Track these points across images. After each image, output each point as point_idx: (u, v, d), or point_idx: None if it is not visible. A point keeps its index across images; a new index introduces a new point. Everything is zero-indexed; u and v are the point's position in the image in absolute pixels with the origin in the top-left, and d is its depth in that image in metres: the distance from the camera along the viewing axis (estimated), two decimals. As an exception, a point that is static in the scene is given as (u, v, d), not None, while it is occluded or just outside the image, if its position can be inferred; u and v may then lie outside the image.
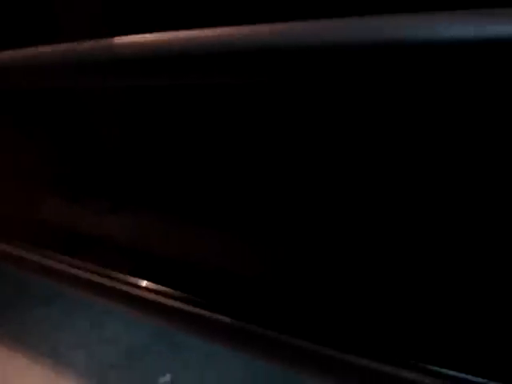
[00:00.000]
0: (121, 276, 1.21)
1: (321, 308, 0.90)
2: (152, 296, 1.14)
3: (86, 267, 1.28)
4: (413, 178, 0.74)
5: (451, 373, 0.78)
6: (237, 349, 1.08)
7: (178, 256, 1.09)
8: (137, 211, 1.14)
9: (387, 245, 0.79)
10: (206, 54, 0.83)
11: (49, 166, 1.30)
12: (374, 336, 0.85)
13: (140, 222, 1.14)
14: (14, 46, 1.14)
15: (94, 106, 1.11)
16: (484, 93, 0.64)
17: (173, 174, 1.04)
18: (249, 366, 1.47)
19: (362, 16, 0.68)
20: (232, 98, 0.88)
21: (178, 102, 0.96)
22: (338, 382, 0.93)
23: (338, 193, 0.82)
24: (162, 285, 1.13)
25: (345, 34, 0.68)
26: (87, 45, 1.00)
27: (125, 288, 1.19)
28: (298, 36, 0.73)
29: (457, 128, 0.68)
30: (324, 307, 0.90)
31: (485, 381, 0.75)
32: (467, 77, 0.63)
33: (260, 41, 0.77)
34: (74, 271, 1.30)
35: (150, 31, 0.91)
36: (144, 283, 1.16)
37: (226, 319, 1.01)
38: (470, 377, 0.76)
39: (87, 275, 1.27)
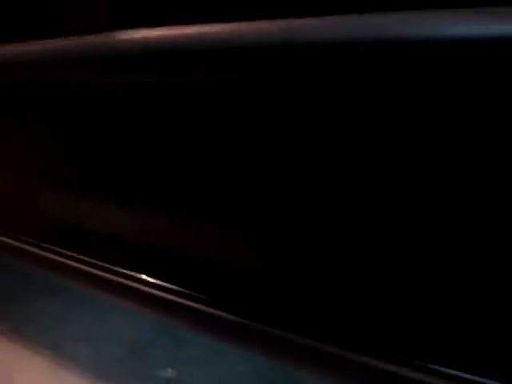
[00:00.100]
0: (124, 271, 1.21)
1: (324, 305, 0.90)
2: (155, 291, 1.14)
3: (90, 262, 1.28)
4: (414, 176, 0.74)
5: (457, 373, 0.77)
6: (240, 345, 1.08)
7: (183, 252, 1.09)
8: (141, 206, 1.14)
9: (387, 242, 0.79)
10: (209, 50, 0.83)
11: (53, 161, 1.30)
12: (379, 334, 0.85)
13: (144, 217, 1.14)
14: (17, 40, 1.14)
15: (98, 101, 1.11)
16: (487, 92, 0.64)
17: (177, 169, 1.03)
18: (252, 361, 1.47)
19: (363, 13, 0.68)
20: (234, 95, 0.88)
21: (182, 98, 0.96)
22: (340, 379, 0.93)
23: (337, 189, 0.82)
24: (166, 280, 1.13)
25: (347, 31, 0.68)
26: (90, 39, 1.00)
27: (128, 283, 1.19)
28: (298, 33, 0.73)
29: (459, 127, 0.67)
30: (327, 304, 0.90)
31: (491, 382, 0.74)
32: (469, 76, 0.63)
33: (263, 37, 0.76)
34: (77, 265, 1.30)
35: (154, 26, 0.92)
36: (147, 278, 1.16)
37: (230, 316, 1.01)
38: (476, 378, 0.76)
39: (91, 270, 1.27)
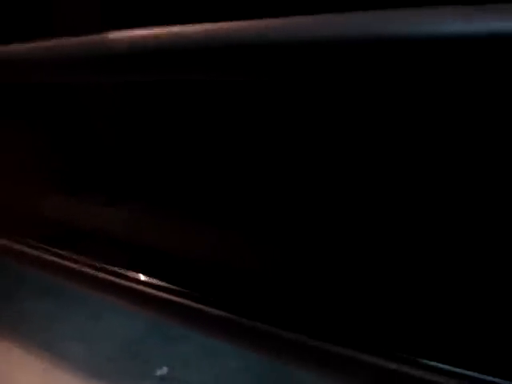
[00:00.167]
0: (117, 269, 1.21)
1: (317, 301, 0.91)
2: (148, 289, 1.14)
3: (83, 260, 1.28)
4: (411, 175, 0.74)
5: (468, 373, 0.77)
6: (233, 342, 1.08)
7: (174, 250, 1.10)
8: (133, 205, 1.14)
9: (385, 240, 0.80)
10: (202, 49, 0.83)
11: (46, 161, 1.30)
12: (374, 331, 0.85)
13: (137, 215, 1.15)
14: (10, 41, 1.14)
15: (90, 101, 1.11)
16: (485, 89, 0.64)
17: (169, 168, 1.04)
18: (245, 358, 1.47)
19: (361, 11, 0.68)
20: (228, 95, 0.89)
21: (175, 97, 0.96)
22: (334, 375, 0.94)
23: (333, 186, 0.82)
24: (158, 278, 1.13)
25: (345, 29, 0.68)
26: (82, 40, 1.01)
27: (121, 281, 1.19)
28: (292, 31, 0.73)
29: (458, 126, 0.68)
30: (320, 300, 0.90)
31: (501, 381, 0.74)
32: (467, 73, 0.63)
33: (257, 36, 0.77)
34: (70, 264, 1.30)
35: (147, 26, 0.92)
36: (140, 277, 1.17)
37: (222, 313, 1.01)
38: (485, 377, 0.75)
39: (84, 268, 1.27)
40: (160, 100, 0.99)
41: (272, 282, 0.95)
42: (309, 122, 0.81)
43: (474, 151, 0.68)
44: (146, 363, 1.52)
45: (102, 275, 1.23)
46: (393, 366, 0.82)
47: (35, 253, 1.39)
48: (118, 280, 1.20)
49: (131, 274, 1.18)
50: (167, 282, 1.12)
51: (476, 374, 0.76)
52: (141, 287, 1.16)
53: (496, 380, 0.74)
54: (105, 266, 1.23)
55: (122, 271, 1.20)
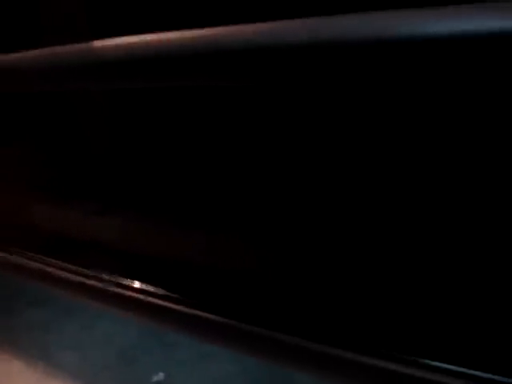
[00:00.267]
0: (111, 278, 1.21)
1: (312, 304, 0.91)
2: (142, 296, 1.14)
3: (76, 270, 1.28)
4: (403, 174, 0.75)
5: (474, 372, 0.77)
6: (229, 347, 1.08)
7: (168, 256, 1.10)
8: (125, 213, 1.15)
9: (380, 241, 0.80)
10: (189, 55, 0.84)
11: (37, 171, 1.30)
12: (370, 332, 0.85)
13: (129, 223, 1.15)
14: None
15: (80, 109, 1.12)
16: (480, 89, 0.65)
17: (160, 175, 1.04)
18: (241, 362, 1.47)
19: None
20: (216, 101, 0.89)
21: (165, 104, 0.96)
22: (332, 377, 0.94)
23: (326, 188, 0.83)
24: (153, 285, 1.13)
25: (344, 31, 0.69)
26: (70, 48, 1.01)
27: (115, 290, 1.19)
28: (285, 35, 0.74)
29: (456, 126, 0.68)
30: (316, 303, 0.90)
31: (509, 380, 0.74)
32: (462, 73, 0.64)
33: (248, 41, 0.78)
34: (64, 274, 1.30)
35: (133, 34, 0.92)
36: (134, 284, 1.17)
37: (217, 318, 1.02)
38: (492, 376, 0.75)
39: (77, 278, 1.27)
40: (151, 107, 0.99)
41: (268, 285, 0.95)
42: (297, 125, 0.82)
43: (470, 150, 0.68)
44: (141, 370, 1.52)
45: (96, 284, 1.23)
46: (392, 366, 0.83)
47: (30, 264, 1.39)
48: (112, 288, 1.20)
49: (125, 281, 1.18)
50: (161, 289, 1.12)
51: (481, 374, 0.76)
52: (135, 294, 1.15)
53: (501, 379, 0.74)
54: (99, 274, 1.23)
55: (117, 279, 1.20)
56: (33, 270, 1.39)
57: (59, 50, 1.04)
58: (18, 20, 1.13)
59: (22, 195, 1.38)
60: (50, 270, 1.34)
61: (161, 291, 1.12)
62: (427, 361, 0.80)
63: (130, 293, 1.17)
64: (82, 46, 1.00)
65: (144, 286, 1.15)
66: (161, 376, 1.46)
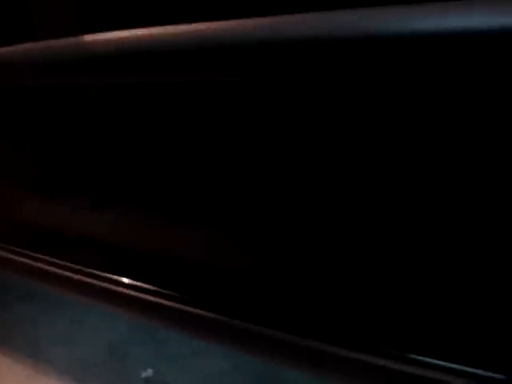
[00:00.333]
0: (101, 273, 1.20)
1: (305, 301, 0.91)
2: (132, 292, 1.14)
3: (66, 265, 1.27)
4: (397, 170, 0.75)
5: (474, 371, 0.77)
6: (220, 343, 1.08)
7: (159, 252, 1.10)
8: (115, 208, 1.14)
9: (376, 238, 0.80)
10: (180, 50, 0.84)
11: (27, 166, 1.29)
12: (363, 329, 0.85)
13: (119, 218, 1.14)
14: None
15: (70, 103, 1.11)
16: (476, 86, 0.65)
17: (152, 170, 1.04)
18: (233, 359, 1.47)
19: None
20: (209, 96, 0.89)
21: (156, 98, 0.96)
22: (324, 374, 0.94)
23: (317, 185, 0.83)
24: (143, 281, 1.13)
25: (340, 26, 0.69)
26: (59, 43, 1.00)
27: (106, 285, 1.19)
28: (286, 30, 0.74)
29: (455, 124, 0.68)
30: (309, 300, 0.90)
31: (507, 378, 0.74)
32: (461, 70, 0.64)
33: (243, 36, 0.77)
34: (54, 270, 1.30)
35: (124, 28, 0.92)
36: (125, 280, 1.16)
37: (209, 314, 1.02)
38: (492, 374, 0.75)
39: (67, 273, 1.27)
40: (141, 102, 0.98)
41: (260, 282, 0.95)
42: (296, 121, 0.81)
43: (465, 148, 0.68)
44: (131, 366, 1.51)
45: (86, 279, 1.23)
46: (387, 364, 0.83)
47: (19, 259, 1.38)
48: (102, 284, 1.19)
49: (115, 277, 1.18)
50: (152, 285, 1.12)
51: (482, 372, 0.76)
52: (126, 290, 1.15)
53: (501, 377, 0.74)
54: (88, 269, 1.23)
55: (106, 274, 1.19)
56: (21, 265, 1.38)
57: (49, 44, 1.03)
58: (7, 13, 1.12)
59: (10, 190, 1.37)
60: (38, 265, 1.33)
61: (151, 287, 1.11)
62: (425, 358, 0.80)
63: (119, 288, 1.16)
64: (72, 40, 0.99)
65: (134, 282, 1.14)
66: (149, 372, 1.46)
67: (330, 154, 0.79)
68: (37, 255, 1.35)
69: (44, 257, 1.33)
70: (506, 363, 0.73)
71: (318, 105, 0.77)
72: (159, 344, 1.59)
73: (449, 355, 0.78)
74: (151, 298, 1.11)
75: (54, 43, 1.01)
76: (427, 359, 0.79)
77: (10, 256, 1.41)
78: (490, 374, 0.74)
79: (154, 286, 1.11)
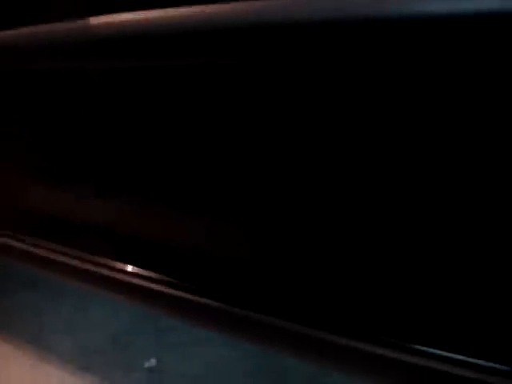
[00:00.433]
0: (105, 261, 1.20)
1: (308, 289, 0.90)
2: (136, 280, 1.13)
3: (70, 253, 1.27)
4: (393, 162, 0.74)
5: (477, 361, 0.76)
6: (221, 331, 1.08)
7: (163, 240, 1.09)
8: (120, 196, 1.13)
9: (376, 231, 0.79)
10: (185, 32, 0.82)
11: (31, 152, 1.29)
12: (369, 318, 0.84)
13: (124, 206, 1.13)
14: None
15: (75, 89, 1.10)
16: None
17: (156, 157, 1.03)
18: (235, 348, 1.47)
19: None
20: (213, 83, 0.87)
21: (161, 83, 0.95)
22: (325, 363, 0.94)
23: (318, 175, 0.82)
24: (147, 269, 1.12)
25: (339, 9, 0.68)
26: (65, 25, 0.99)
27: (109, 273, 1.18)
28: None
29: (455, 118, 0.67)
30: (311, 288, 0.89)
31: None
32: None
33: (247, 18, 0.76)
34: (58, 257, 1.29)
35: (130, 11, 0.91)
36: (129, 268, 1.16)
37: (211, 302, 1.01)
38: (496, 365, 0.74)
39: (71, 261, 1.26)
40: (147, 88, 0.97)
41: (263, 270, 0.94)
42: (287, 109, 0.80)
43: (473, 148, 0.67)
44: (134, 355, 1.51)
45: (89, 267, 1.22)
46: (388, 353, 0.81)
47: (22, 246, 1.38)
48: (105, 271, 1.19)
49: (119, 265, 1.17)
50: (156, 273, 1.11)
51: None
52: (129, 278, 1.15)
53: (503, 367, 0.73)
54: (92, 257, 1.22)
55: (110, 262, 1.19)
56: (25, 253, 1.38)
57: (55, 26, 1.02)
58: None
59: (14, 177, 1.37)
60: (42, 252, 1.33)
61: (154, 275, 1.11)
62: (426, 348, 0.79)
63: (124, 276, 1.16)
64: (78, 22, 0.98)
65: (138, 270, 1.14)
66: (153, 362, 1.46)
67: (329, 142, 0.78)
68: (41, 242, 1.34)
69: (47, 244, 1.32)
70: (510, 354, 0.72)
71: (317, 92, 0.76)
72: (162, 333, 1.59)
73: (452, 346, 0.77)
74: (154, 286, 1.10)
75: (59, 26, 1.00)
76: (428, 349, 0.78)
77: (15, 243, 1.40)
78: (493, 364, 0.73)
79: (156, 273, 1.11)
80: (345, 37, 0.68)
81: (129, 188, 1.10)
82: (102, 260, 1.20)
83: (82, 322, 1.71)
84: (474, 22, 0.59)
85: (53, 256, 1.30)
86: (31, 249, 1.36)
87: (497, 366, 0.73)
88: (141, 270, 1.13)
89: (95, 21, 0.95)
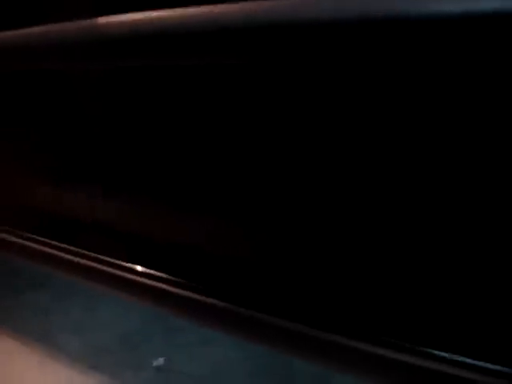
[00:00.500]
0: (114, 260, 1.20)
1: (314, 290, 0.90)
2: (145, 280, 1.14)
3: (79, 252, 1.28)
4: (389, 156, 0.73)
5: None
6: (229, 332, 1.08)
7: (171, 240, 1.09)
8: (129, 195, 1.14)
9: (376, 230, 0.79)
10: (192, 32, 0.83)
11: (39, 152, 1.29)
12: (371, 319, 0.84)
13: (132, 206, 1.14)
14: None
15: (80, 90, 1.11)
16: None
17: (163, 158, 1.03)
18: (242, 348, 1.47)
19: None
20: (213, 83, 0.88)
21: (163, 84, 0.95)
22: (331, 364, 0.93)
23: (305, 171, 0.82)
24: (156, 269, 1.13)
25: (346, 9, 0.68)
26: (73, 25, 1.00)
27: (118, 272, 1.19)
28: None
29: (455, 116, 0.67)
30: (317, 290, 0.89)
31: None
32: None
33: (254, 19, 0.76)
34: (67, 256, 1.30)
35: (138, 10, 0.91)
36: (137, 268, 1.16)
37: (220, 303, 1.01)
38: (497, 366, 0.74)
39: (80, 260, 1.27)
40: (152, 89, 0.98)
41: (270, 271, 0.94)
42: (298, 110, 0.80)
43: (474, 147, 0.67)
44: (142, 354, 1.52)
45: (98, 266, 1.23)
46: (392, 355, 0.81)
47: (31, 245, 1.39)
48: (115, 271, 1.20)
49: (128, 265, 1.18)
50: (165, 273, 1.11)
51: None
52: (138, 277, 1.15)
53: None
54: (102, 257, 1.23)
55: (119, 262, 1.19)
56: (34, 251, 1.39)
57: (63, 26, 1.02)
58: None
59: (20, 176, 1.37)
60: (52, 251, 1.34)
61: (164, 275, 1.11)
62: (429, 350, 0.78)
63: (133, 276, 1.16)
64: (86, 22, 0.98)
65: (146, 270, 1.14)
66: (160, 361, 1.46)
67: (330, 139, 0.78)
68: (49, 241, 1.35)
69: (56, 243, 1.33)
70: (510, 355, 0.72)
71: (319, 91, 0.76)
72: (171, 333, 1.59)
73: (454, 348, 0.76)
74: (163, 286, 1.11)
75: (67, 26, 1.01)
76: (431, 351, 0.78)
77: (24, 242, 1.41)
78: (493, 365, 0.73)
79: (165, 273, 1.11)
80: (348, 37, 0.68)
81: (138, 186, 1.11)
82: (111, 259, 1.21)
83: (90, 321, 1.71)
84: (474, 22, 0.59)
85: (61, 255, 1.31)
86: (41, 248, 1.37)
87: (497, 367, 0.73)
88: (149, 270, 1.14)
89: (102, 21, 0.95)
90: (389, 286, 0.80)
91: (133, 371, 1.45)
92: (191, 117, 0.94)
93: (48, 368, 1.51)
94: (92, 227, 1.24)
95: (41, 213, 1.37)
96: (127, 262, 1.18)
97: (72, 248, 1.29)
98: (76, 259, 1.28)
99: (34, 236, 1.39)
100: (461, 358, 0.76)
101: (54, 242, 1.34)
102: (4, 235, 1.47)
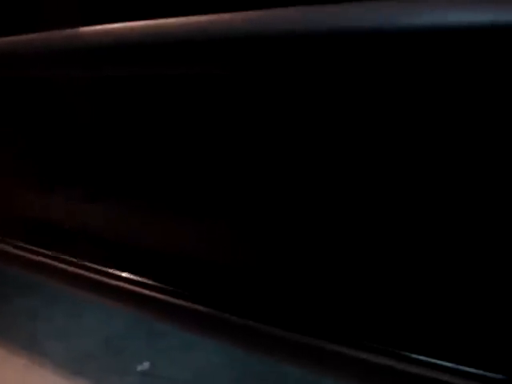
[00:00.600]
0: (98, 267, 1.21)
1: (299, 295, 0.91)
2: (128, 286, 1.14)
3: (64, 258, 1.27)
4: (393, 163, 0.75)
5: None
6: (213, 337, 1.08)
7: (155, 246, 1.10)
8: (112, 202, 1.14)
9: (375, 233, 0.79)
10: (179, 42, 0.84)
11: (23, 158, 1.29)
12: (358, 326, 0.85)
13: (116, 211, 1.14)
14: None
15: (67, 95, 1.11)
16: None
17: (149, 162, 1.04)
18: (225, 353, 1.48)
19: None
20: (205, 89, 0.89)
21: (154, 91, 0.96)
22: (318, 369, 0.94)
23: (317, 179, 0.83)
24: (140, 275, 1.13)
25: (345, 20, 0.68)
26: (59, 34, 1.00)
27: (102, 279, 1.19)
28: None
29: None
30: (302, 294, 0.90)
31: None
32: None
33: (239, 29, 0.77)
34: (51, 263, 1.30)
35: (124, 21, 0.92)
36: (121, 274, 1.16)
37: (203, 308, 1.02)
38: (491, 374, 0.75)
39: (65, 266, 1.27)
40: (139, 94, 0.98)
41: (253, 276, 0.95)
42: (293, 115, 0.81)
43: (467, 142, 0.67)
44: (127, 359, 1.52)
45: (83, 272, 1.23)
46: (385, 362, 0.82)
47: (17, 252, 1.38)
48: (99, 277, 1.20)
49: (113, 271, 1.18)
50: (148, 279, 1.12)
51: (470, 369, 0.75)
52: (121, 283, 1.15)
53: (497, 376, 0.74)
54: (86, 263, 1.23)
55: (103, 268, 1.19)
56: (19, 258, 1.38)
57: (49, 35, 1.03)
58: (9, 5, 1.12)
59: (6, 182, 1.37)
60: (37, 258, 1.33)
61: (148, 281, 1.12)
62: (424, 357, 0.79)
63: (117, 282, 1.16)
64: (72, 31, 0.99)
65: (130, 276, 1.14)
66: (145, 366, 1.46)
67: (327, 145, 0.79)
68: (34, 248, 1.35)
69: (41, 249, 1.33)
70: (505, 363, 0.73)
71: (313, 98, 0.77)
72: (155, 338, 1.59)
73: (448, 354, 0.77)
74: (146, 292, 1.11)
75: (53, 34, 1.02)
76: (426, 358, 0.79)
77: (8, 248, 1.41)
78: (488, 373, 0.74)
79: (149, 279, 1.11)
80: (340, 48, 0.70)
81: (121, 194, 1.11)
82: (95, 266, 1.21)
83: (75, 327, 1.71)
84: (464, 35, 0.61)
85: (46, 261, 1.31)
86: (25, 254, 1.36)
87: (480, 371, 0.74)
88: (133, 275, 1.14)
89: (88, 30, 0.96)
90: (375, 292, 0.81)
91: (118, 376, 1.45)
92: (178, 123, 0.95)
93: (33, 373, 1.51)
94: (75, 234, 1.24)
95: (24, 219, 1.36)
96: (112, 268, 1.18)
97: (56, 254, 1.29)
98: (60, 266, 1.27)
99: (17, 243, 1.39)
100: (444, 363, 0.77)
101: (37, 249, 1.34)
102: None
